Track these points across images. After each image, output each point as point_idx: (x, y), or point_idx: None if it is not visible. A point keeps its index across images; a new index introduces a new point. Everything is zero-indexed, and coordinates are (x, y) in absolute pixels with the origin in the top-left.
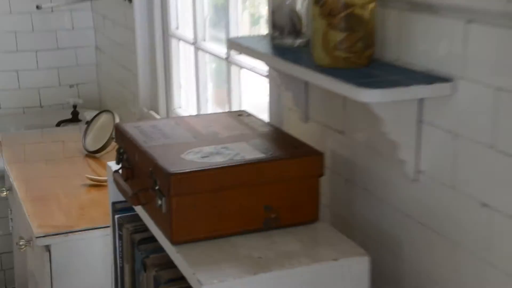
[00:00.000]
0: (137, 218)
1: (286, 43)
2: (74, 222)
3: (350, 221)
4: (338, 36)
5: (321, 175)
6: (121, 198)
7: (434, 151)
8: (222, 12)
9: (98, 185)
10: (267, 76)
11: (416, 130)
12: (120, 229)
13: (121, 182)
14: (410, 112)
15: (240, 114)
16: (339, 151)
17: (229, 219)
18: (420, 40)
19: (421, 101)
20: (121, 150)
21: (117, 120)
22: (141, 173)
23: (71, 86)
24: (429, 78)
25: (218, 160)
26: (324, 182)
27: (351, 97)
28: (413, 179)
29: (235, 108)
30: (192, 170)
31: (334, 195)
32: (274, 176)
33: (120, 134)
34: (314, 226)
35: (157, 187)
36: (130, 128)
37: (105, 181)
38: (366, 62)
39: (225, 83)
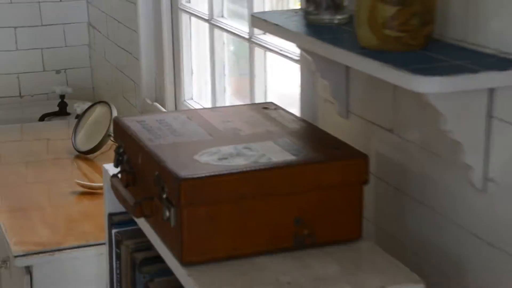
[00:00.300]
0: (139, 233)
1: (323, 20)
2: (61, 238)
3: (401, 239)
4: (388, 10)
5: (365, 182)
6: (120, 208)
7: (507, 154)
8: None
9: (91, 193)
10: (298, 61)
11: (485, 128)
12: (118, 247)
13: (121, 189)
14: (478, 105)
15: (266, 107)
16: (387, 154)
17: (252, 235)
18: (493, 15)
19: (492, 91)
20: (121, 150)
21: (115, 113)
22: (145, 178)
23: (57, 71)
24: (503, 63)
25: (239, 162)
26: (369, 192)
27: (403, 87)
28: (480, 188)
29: (259, 99)
30: (207, 174)
31: (381, 207)
32: (308, 183)
33: (119, 130)
34: (356, 245)
35: (164, 196)
36: (132, 123)
37: (100, 188)
38: (423, 43)
39: (247, 69)
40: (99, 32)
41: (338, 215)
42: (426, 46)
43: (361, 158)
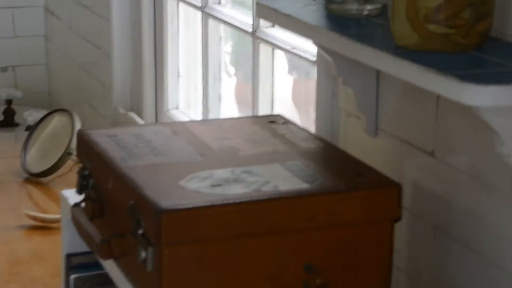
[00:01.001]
0: (105, 279)
1: (349, 11)
2: (3, 286)
3: None
4: (433, 0)
5: (396, 219)
6: (82, 248)
7: None
8: None
9: (44, 227)
10: (315, 62)
11: None
12: None
13: (84, 222)
14: None
15: (273, 120)
16: (425, 183)
17: (251, 283)
18: None
19: None
20: (86, 172)
21: (78, 125)
22: (116, 209)
23: (3, 69)
24: None
25: (237, 191)
26: (401, 232)
27: (449, 98)
28: None
29: (264, 111)
30: (195, 205)
31: (416, 252)
32: (323, 219)
33: (84, 147)
34: None
35: (140, 232)
36: (101, 138)
37: (57, 220)
38: (477, 42)
39: (250, 72)
40: (59, 19)
41: (360, 261)
42: (481, 47)
43: (392, 188)
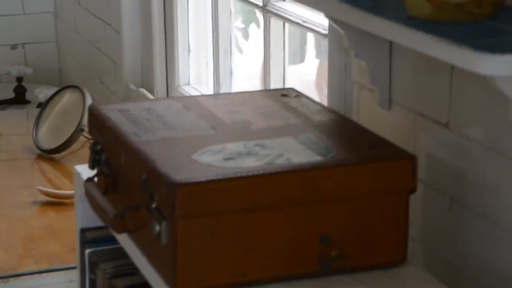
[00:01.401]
0: (120, 254)
1: None
2: (19, 261)
3: (459, 266)
4: None
5: (411, 191)
6: (95, 222)
7: None
8: None
9: (58, 202)
10: (327, 35)
11: None
12: (92, 272)
13: (97, 196)
14: None
15: (285, 94)
16: (441, 155)
17: (265, 256)
18: None
19: None
20: (98, 147)
21: (89, 101)
22: (129, 183)
23: (13, 46)
24: None
25: (250, 164)
26: (416, 203)
27: (464, 68)
28: None
29: (276, 85)
30: (209, 179)
31: (432, 223)
32: (337, 191)
33: (95, 123)
34: (399, 271)
35: (154, 205)
36: (113, 113)
37: (70, 196)
38: (492, 11)
39: (261, 46)
40: None
41: (375, 233)
42: (495, 16)
43: (407, 159)
